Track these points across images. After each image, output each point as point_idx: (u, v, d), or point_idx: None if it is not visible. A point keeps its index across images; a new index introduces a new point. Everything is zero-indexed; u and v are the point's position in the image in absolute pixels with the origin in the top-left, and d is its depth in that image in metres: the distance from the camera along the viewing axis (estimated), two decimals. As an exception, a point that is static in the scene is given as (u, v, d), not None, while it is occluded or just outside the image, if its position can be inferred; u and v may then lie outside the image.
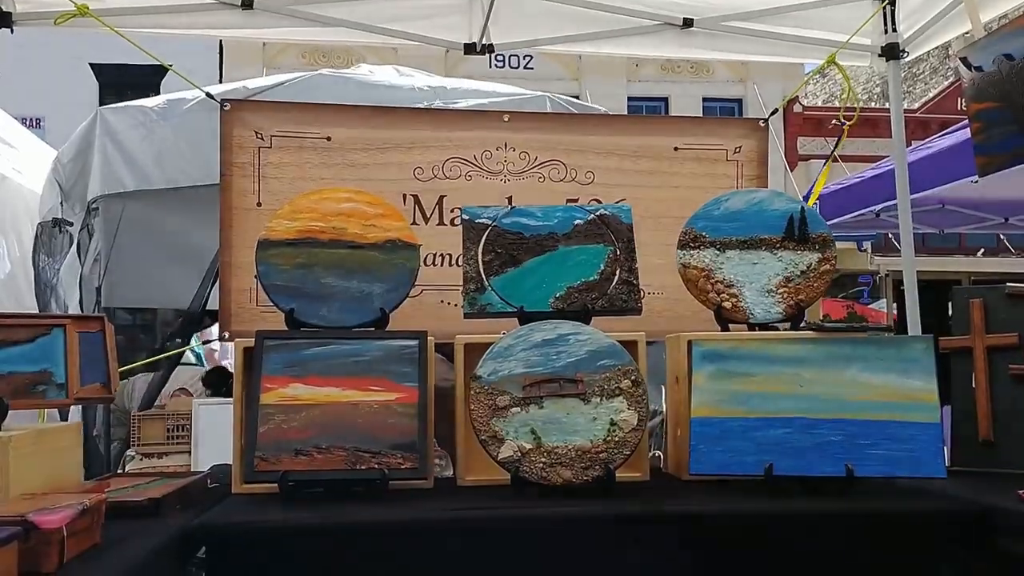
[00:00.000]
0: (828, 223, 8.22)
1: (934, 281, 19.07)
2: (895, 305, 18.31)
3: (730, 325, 3.10)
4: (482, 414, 2.60)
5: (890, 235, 9.68)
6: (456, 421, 2.85)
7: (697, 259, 3.15)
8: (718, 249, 3.15)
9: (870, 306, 19.67)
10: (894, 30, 4.33)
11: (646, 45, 4.52)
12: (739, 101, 20.73)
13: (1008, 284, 3.10)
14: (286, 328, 2.86)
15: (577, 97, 18.23)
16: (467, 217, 3.15)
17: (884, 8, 4.28)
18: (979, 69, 3.58)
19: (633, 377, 2.67)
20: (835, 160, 7.61)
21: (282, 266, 2.91)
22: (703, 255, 3.15)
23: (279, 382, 2.65)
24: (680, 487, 2.80)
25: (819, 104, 19.90)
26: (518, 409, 2.61)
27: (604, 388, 2.65)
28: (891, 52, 4.36)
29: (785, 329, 3.06)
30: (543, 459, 2.55)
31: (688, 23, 4.34)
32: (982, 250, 18.31)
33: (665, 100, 20.78)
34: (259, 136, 3.89)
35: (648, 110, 20.85)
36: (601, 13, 4.32)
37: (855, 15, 4.35)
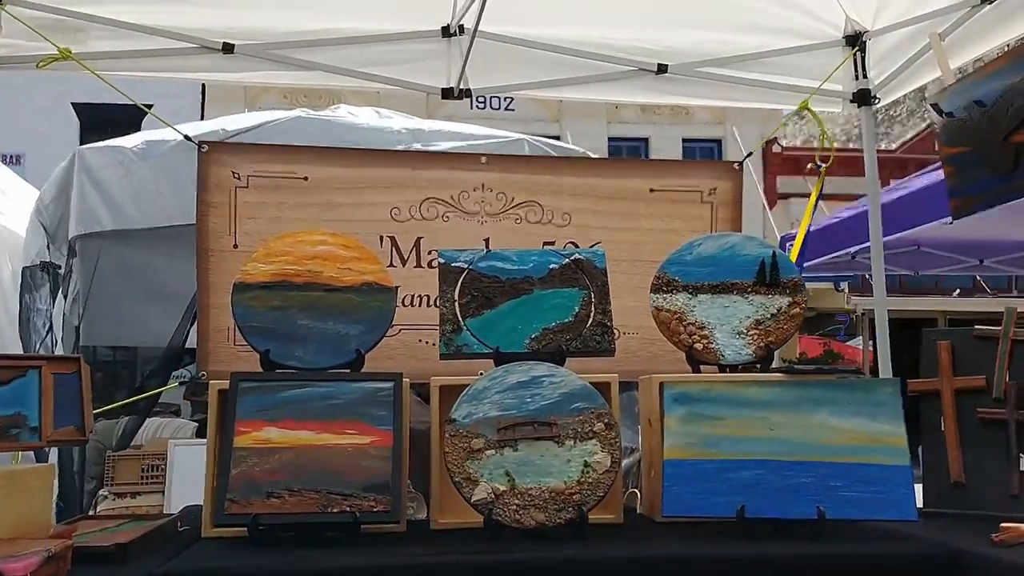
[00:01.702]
0: (807, 263, 8.32)
1: (910, 320, 19.25)
2: (871, 343, 18.40)
3: (702, 367, 3.13)
4: (456, 456, 2.61)
5: (867, 275, 9.77)
6: (432, 463, 2.85)
7: (670, 303, 3.18)
8: (690, 293, 3.18)
9: (847, 343, 19.79)
10: (864, 76, 4.41)
11: (622, 90, 4.59)
12: (718, 142, 20.98)
13: (976, 327, 3.14)
14: (262, 368, 2.86)
15: (558, 138, 18.40)
16: (443, 260, 3.18)
17: (854, 55, 4.36)
18: (950, 115, 3.66)
19: (606, 420, 2.69)
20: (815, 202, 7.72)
21: (257, 308, 2.92)
22: (676, 299, 3.18)
23: (253, 425, 2.65)
24: (653, 529, 2.81)
25: (798, 144, 20.14)
26: (492, 452, 2.62)
27: (578, 431, 2.66)
28: (862, 98, 4.44)
29: (755, 371, 3.09)
30: (517, 501, 2.56)
31: (663, 69, 4.41)
32: (958, 290, 18.48)
33: (645, 141, 21.00)
34: (236, 176, 3.92)
35: (628, 151, 21.06)
36: (577, 59, 4.38)
37: (827, 62, 4.43)
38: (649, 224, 4.22)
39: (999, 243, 8.48)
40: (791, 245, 8.76)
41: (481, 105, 18.29)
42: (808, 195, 4.83)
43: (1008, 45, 3.76)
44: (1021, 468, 2.89)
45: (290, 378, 2.78)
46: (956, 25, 3.98)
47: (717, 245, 3.29)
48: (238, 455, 2.62)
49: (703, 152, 21.25)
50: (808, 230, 4.85)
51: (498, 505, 2.55)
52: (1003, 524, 2.49)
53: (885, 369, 4.55)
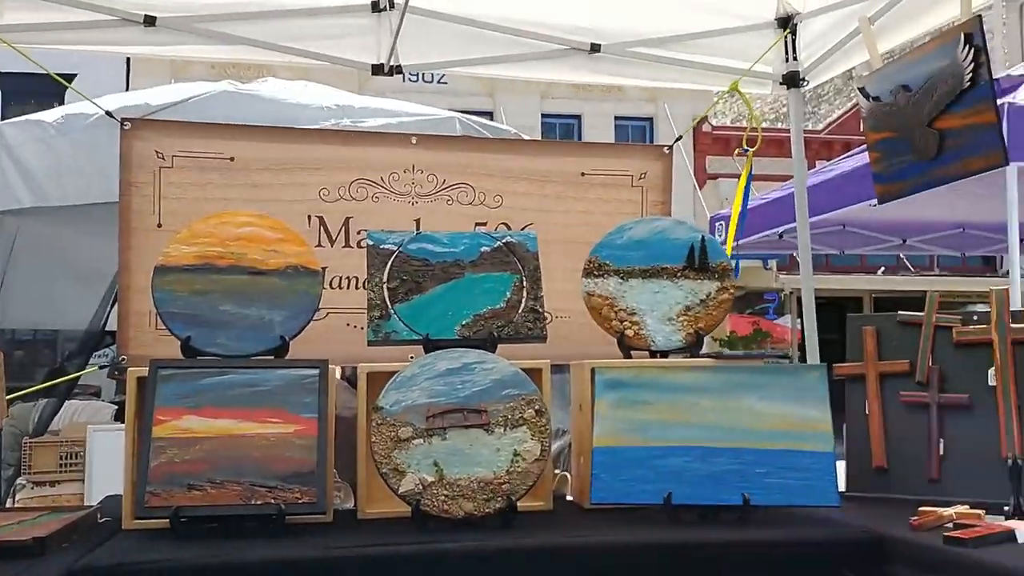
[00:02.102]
0: (736, 243, 8.42)
1: (837, 298, 19.70)
2: (800, 321, 18.78)
3: (632, 352, 3.13)
4: (383, 446, 2.57)
5: (794, 254, 9.94)
6: (358, 452, 2.81)
7: (601, 287, 3.17)
8: (621, 277, 3.18)
9: (776, 322, 20.18)
10: (795, 59, 4.44)
11: (555, 69, 4.55)
12: (650, 120, 21.07)
13: (900, 312, 3.19)
14: (183, 355, 2.78)
15: (491, 114, 18.32)
16: (372, 243, 3.11)
17: (785, 37, 4.38)
18: (877, 99, 3.68)
19: (537, 407, 2.67)
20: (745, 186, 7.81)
21: (179, 293, 2.83)
22: (607, 283, 3.18)
23: (172, 414, 2.57)
24: (582, 516, 2.81)
25: (728, 124, 20.35)
26: (421, 441, 2.58)
27: (508, 418, 2.64)
28: (792, 80, 4.47)
29: (686, 356, 3.10)
30: (445, 492, 2.53)
31: (595, 48, 4.37)
32: (883, 268, 18.94)
33: (578, 118, 21.01)
34: (160, 156, 3.79)
35: (561, 128, 21.05)
36: (509, 36, 4.33)
37: (758, 43, 4.44)
38: (581, 207, 4.20)
39: (921, 223, 8.69)
40: (720, 225, 8.89)
41: (414, 78, 18.05)
42: (738, 176, 4.86)
43: (938, 30, 3.81)
44: (941, 452, 2.95)
45: (211, 365, 2.70)
46: (885, 9, 4.01)
47: (648, 229, 3.29)
48: (157, 445, 2.55)
49: (635, 130, 21.35)
50: (744, 212, 4.88)
51: (426, 496, 2.52)
52: (921, 508, 2.54)
53: (812, 348, 4.61)
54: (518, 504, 2.57)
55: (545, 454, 2.64)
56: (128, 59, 18.62)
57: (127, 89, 16.22)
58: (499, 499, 2.54)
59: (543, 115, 20.43)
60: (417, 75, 18.14)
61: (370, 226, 3.81)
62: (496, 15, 4.27)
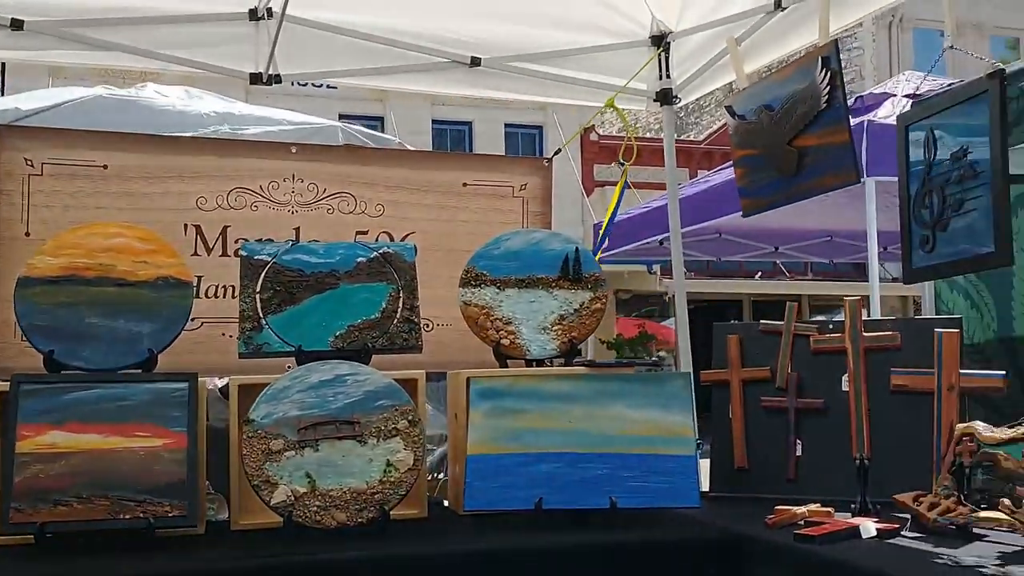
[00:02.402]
0: (621, 249, 8.59)
1: (719, 302, 20.28)
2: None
3: (508, 361, 3.20)
4: (255, 459, 2.57)
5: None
6: (230, 464, 2.79)
7: (478, 297, 3.24)
8: (498, 287, 3.25)
9: (662, 324, 20.68)
10: (668, 76, 4.59)
11: (437, 82, 4.59)
12: (540, 128, 21.31)
13: (761, 322, 3.35)
14: (46, 370, 2.71)
15: (381, 119, 18.23)
16: (245, 254, 3.10)
17: (658, 56, 4.52)
18: (743, 118, 3.85)
19: (410, 417, 2.71)
20: (629, 188, 8.00)
21: (42, 305, 2.76)
22: (483, 293, 3.24)
23: (36, 429, 2.52)
24: (456, 523, 2.86)
25: (615, 133, 20.72)
26: (292, 453, 2.59)
27: (381, 429, 2.67)
28: (664, 97, 4.61)
29: (559, 365, 3.19)
30: (317, 502, 2.54)
31: (476, 62, 4.44)
32: (759, 273, 19.60)
33: (468, 125, 21.09)
34: (29, 163, 3.68)
35: (452, 134, 21.11)
36: (391, 48, 4.35)
37: (634, 60, 4.57)
38: (463, 216, 4.26)
39: (792, 232, 9.07)
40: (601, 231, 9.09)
41: (303, 82, 17.79)
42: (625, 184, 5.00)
43: (801, 52, 4.00)
44: (797, 453, 3.11)
45: (76, 379, 2.65)
46: (752, 30, 4.19)
47: (524, 240, 3.37)
48: (21, 461, 2.49)
49: (525, 137, 21.56)
50: (612, 221, 5.01)
51: (298, 507, 2.53)
52: (777, 507, 2.68)
53: (684, 352, 4.76)
54: (392, 513, 2.60)
55: (419, 463, 2.68)
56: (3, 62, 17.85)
57: (2, 93, 15.54)
58: (372, 509, 2.57)
59: (434, 121, 20.44)
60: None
61: (249, 235, 3.79)
62: (377, 26, 4.29)
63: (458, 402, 3.05)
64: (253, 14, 4.11)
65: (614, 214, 4.86)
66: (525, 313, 3.22)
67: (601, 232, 5.06)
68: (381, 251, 3.19)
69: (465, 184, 4.24)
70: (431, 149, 17.42)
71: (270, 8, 4.07)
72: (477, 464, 2.74)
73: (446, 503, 3.26)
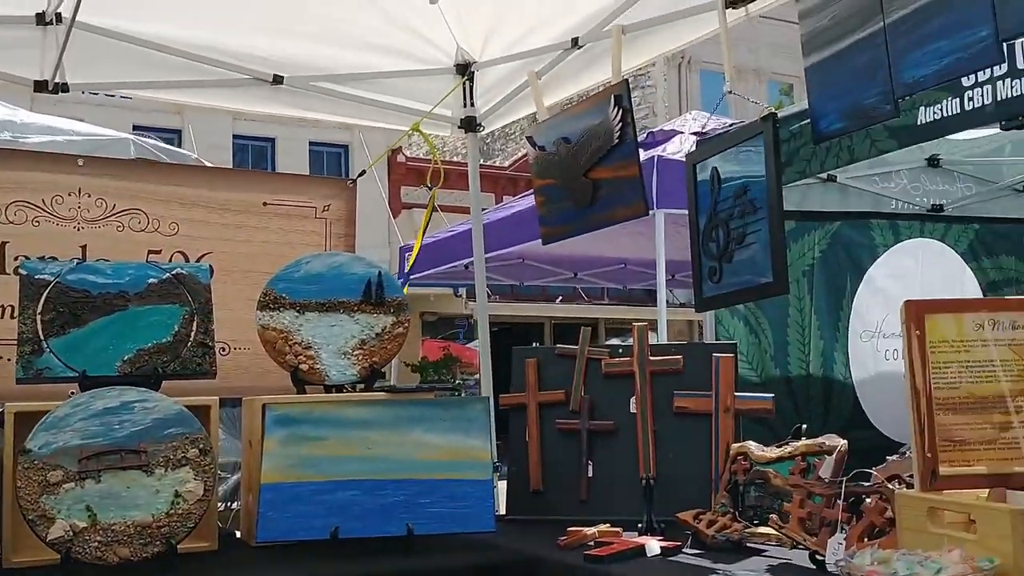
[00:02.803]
0: (427, 272, 8.62)
1: (522, 324, 20.66)
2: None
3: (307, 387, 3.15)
4: (31, 491, 2.40)
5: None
6: (2, 498, 2.60)
7: (276, 321, 3.17)
8: (297, 311, 3.20)
9: (467, 346, 20.86)
10: (472, 104, 4.67)
11: (238, 98, 4.47)
12: (346, 147, 21.08)
13: (558, 346, 3.46)
14: None
15: (179, 132, 17.51)
16: (26, 272, 2.91)
17: (463, 84, 4.60)
18: (543, 148, 3.98)
19: (201, 445, 2.62)
20: (436, 211, 8.06)
21: None
22: (282, 317, 3.18)
23: None
24: (247, 555, 2.78)
25: (422, 156, 20.83)
26: (72, 485, 2.44)
27: (170, 458, 2.57)
28: (469, 125, 4.70)
29: (360, 390, 3.17)
30: (99, 537, 2.41)
31: (279, 80, 4.36)
32: (560, 297, 20.17)
33: (272, 141, 20.58)
34: None
35: (254, 150, 20.54)
36: (190, 62, 4.20)
37: (440, 87, 4.63)
38: (263, 237, 4.17)
39: (590, 259, 9.39)
40: (408, 255, 9.10)
41: (95, 92, 16.83)
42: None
43: (597, 88, 4.17)
44: (589, 475, 3.22)
45: None
46: (552, 65, 4.33)
47: (326, 263, 3.33)
48: None
49: (330, 157, 21.27)
50: (426, 240, 5.05)
51: (77, 543, 2.39)
52: (569, 528, 2.77)
53: (486, 375, 4.83)
54: (180, 547, 2.50)
55: (209, 494, 2.59)
56: None
57: None
58: (158, 543, 2.46)
59: (235, 136, 19.80)
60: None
61: (30, 252, 3.56)
62: (175, 38, 4.13)
63: (253, 429, 2.97)
64: (41, 18, 3.87)
65: (423, 238, 4.89)
66: (325, 337, 3.18)
67: (411, 261, 5.08)
68: (174, 272, 3.08)
69: (266, 203, 4.16)
70: (231, 165, 16.88)
71: (59, 13, 3.85)
72: (271, 493, 2.67)
73: (238, 534, 3.16)
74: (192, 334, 2.98)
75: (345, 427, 2.79)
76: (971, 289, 5.58)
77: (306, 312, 3.22)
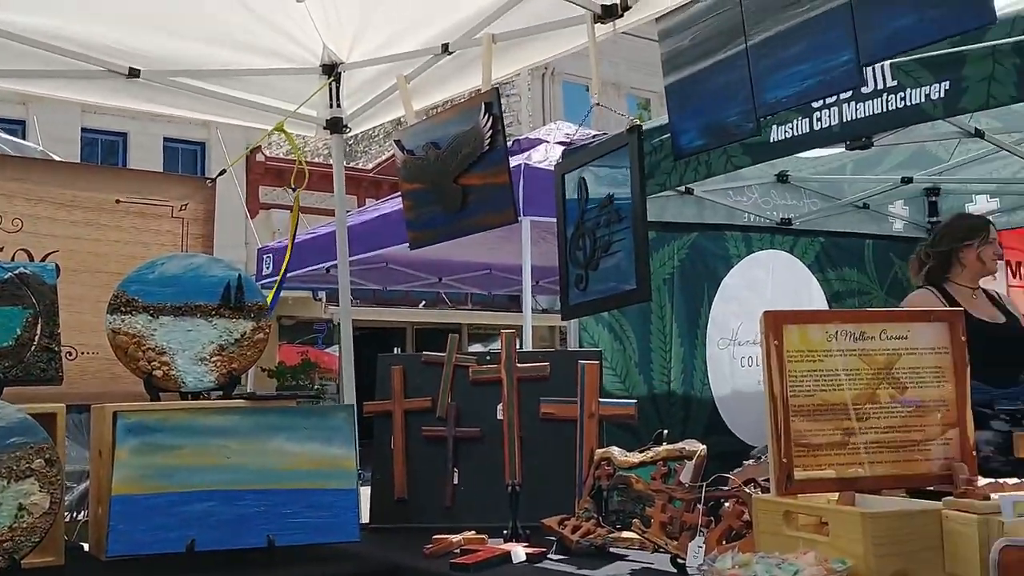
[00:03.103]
0: (288, 275, 8.42)
1: (384, 329, 20.50)
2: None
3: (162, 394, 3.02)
4: None
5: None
6: None
7: (128, 325, 3.03)
8: (151, 315, 3.06)
9: (326, 351, 20.53)
10: (338, 105, 4.60)
11: (90, 90, 4.25)
12: (202, 145, 20.41)
13: (424, 353, 3.43)
14: None
15: (23, 123, 16.59)
16: None
17: (329, 85, 4.52)
18: (411, 152, 3.95)
19: (47, 456, 2.47)
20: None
21: None
22: (135, 321, 3.04)
23: None
24: (96, 570, 2.64)
25: (281, 155, 20.38)
26: (-100, 499, 2.27)
27: (13, 469, 2.41)
28: (335, 126, 4.62)
29: (217, 397, 3.06)
30: (-71, 556, 2.24)
31: (134, 73, 4.17)
32: (424, 303, 20.12)
33: (124, 136, 19.72)
34: None
35: (104, 145, 19.65)
36: (38, 50, 3.97)
37: (305, 87, 4.54)
38: (115, 236, 3.99)
39: (454, 263, 9.41)
40: (267, 257, 8.89)
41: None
42: (289, 207, 4.93)
43: (467, 95, 4.17)
44: (455, 482, 3.21)
45: None
46: (421, 70, 4.31)
47: (182, 265, 3.20)
48: None
49: (186, 154, 20.55)
50: (279, 246, 4.94)
51: (-97, 562, 2.22)
52: (435, 536, 2.75)
53: (348, 382, 4.75)
54: (24, 562, 2.36)
55: (56, 506, 2.45)
56: None
57: None
58: (0, 559, 2.31)
59: (84, 130, 18.86)
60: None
61: None
62: (19, 24, 3.89)
63: (103, 438, 2.82)
64: None
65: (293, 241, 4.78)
66: (181, 343, 3.06)
67: (284, 266, 4.96)
68: (17, 272, 2.89)
69: (118, 201, 3.98)
70: (80, 160, 16.09)
71: None
72: (122, 505, 2.54)
73: (86, 547, 3.00)
74: (36, 338, 2.82)
75: (202, 436, 2.69)
76: (818, 298, 5.87)
77: (160, 316, 3.08)
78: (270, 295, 3.79)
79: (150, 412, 2.75)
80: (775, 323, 2.06)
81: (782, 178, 5.76)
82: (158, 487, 2.59)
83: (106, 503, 2.62)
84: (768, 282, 5.67)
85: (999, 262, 4.41)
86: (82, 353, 3.72)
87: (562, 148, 4.91)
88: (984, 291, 4.30)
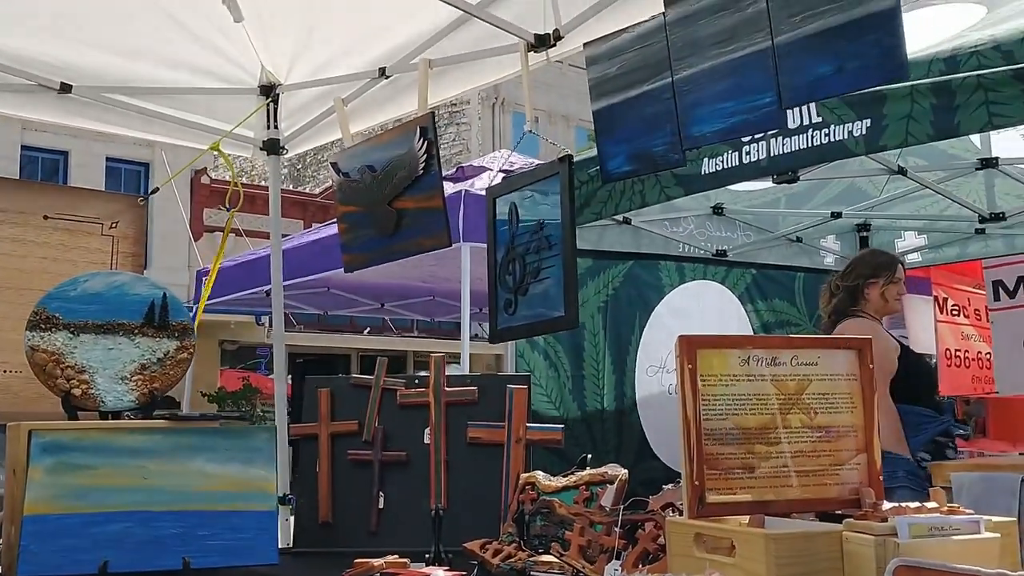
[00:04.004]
0: (227, 297, 8.34)
1: (328, 355, 20.33)
2: (290, 376, 19.03)
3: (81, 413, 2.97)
4: None
5: (287, 312, 10.15)
6: None
7: (47, 342, 2.97)
8: (72, 332, 3.01)
9: (269, 376, 20.26)
10: (276, 127, 4.58)
11: (19, 105, 4.19)
12: (147, 165, 20.13)
13: (352, 376, 3.42)
14: None
15: (-44, 139, 16.24)
16: None
17: (267, 106, 4.51)
18: (347, 175, 3.95)
19: (-44, 474, 2.41)
20: (239, 234, 7.81)
21: None
22: (54, 338, 2.99)
23: None
24: (6, 592, 2.58)
25: (227, 178, 20.21)
26: None
27: (-83, 488, 2.35)
28: (272, 147, 4.60)
29: (138, 417, 3.01)
30: None
31: (66, 88, 4.12)
32: (368, 329, 20.00)
33: (65, 155, 19.37)
34: None
35: (45, 163, 19.30)
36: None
37: (243, 107, 4.52)
38: (41, 252, 3.94)
39: (397, 289, 9.38)
40: (206, 279, 8.78)
41: None
42: (234, 230, 4.89)
43: (404, 118, 4.19)
44: (380, 506, 3.19)
45: None
46: (359, 93, 4.32)
47: (106, 282, 3.16)
48: None
49: (129, 174, 20.26)
50: (227, 263, 4.89)
51: None
52: (356, 560, 2.72)
53: (280, 402, 4.70)
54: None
55: (-38, 527, 2.38)
56: None
57: None
58: None
59: (24, 147, 18.51)
60: None
61: None
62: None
63: (17, 457, 2.76)
64: None
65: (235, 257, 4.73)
66: (102, 361, 3.01)
67: (207, 288, 4.90)
68: (-66, 287, 2.84)
69: (46, 217, 3.94)
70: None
71: None
72: (35, 525, 2.49)
73: (-2, 571, 2.93)
74: (-48, 354, 2.76)
75: (119, 456, 2.64)
76: (747, 329, 5.96)
77: (81, 334, 3.03)
78: (198, 317, 3.75)
79: (66, 431, 2.71)
80: (689, 347, 2.09)
81: (718, 210, 5.86)
82: (72, 507, 2.54)
83: (18, 524, 2.56)
84: (698, 311, 5.75)
85: (927, 298, 4.53)
86: (4, 371, 3.65)
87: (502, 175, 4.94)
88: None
